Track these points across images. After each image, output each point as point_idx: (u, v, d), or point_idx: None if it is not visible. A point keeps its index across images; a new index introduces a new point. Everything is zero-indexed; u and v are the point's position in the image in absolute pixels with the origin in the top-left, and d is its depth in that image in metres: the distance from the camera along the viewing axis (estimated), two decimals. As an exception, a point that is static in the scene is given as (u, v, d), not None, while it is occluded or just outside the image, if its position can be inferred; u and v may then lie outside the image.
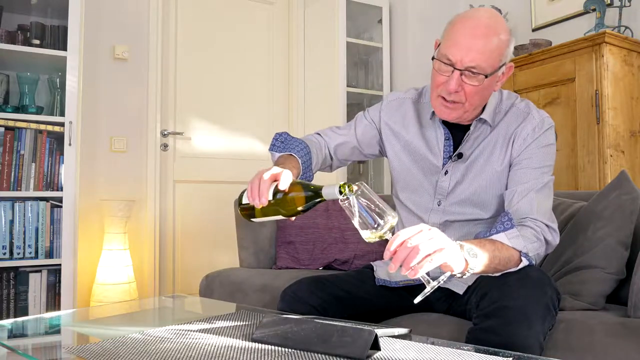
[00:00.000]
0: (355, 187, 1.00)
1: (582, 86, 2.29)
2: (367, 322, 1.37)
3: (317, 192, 1.06)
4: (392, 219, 0.99)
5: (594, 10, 2.52)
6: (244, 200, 1.15)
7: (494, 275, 1.18)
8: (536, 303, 1.09)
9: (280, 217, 1.13)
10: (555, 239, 1.26)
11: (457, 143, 1.37)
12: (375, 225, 0.98)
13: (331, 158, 1.49)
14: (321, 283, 1.38)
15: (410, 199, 1.44)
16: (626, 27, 2.45)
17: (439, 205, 1.39)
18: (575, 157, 2.32)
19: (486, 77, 1.22)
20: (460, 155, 1.36)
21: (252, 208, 1.13)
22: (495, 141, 1.34)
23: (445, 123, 1.37)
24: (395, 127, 1.47)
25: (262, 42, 3.45)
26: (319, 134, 1.50)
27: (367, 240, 1.01)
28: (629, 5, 2.47)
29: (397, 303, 1.42)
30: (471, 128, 1.34)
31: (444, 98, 1.28)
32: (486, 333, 1.09)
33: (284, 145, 1.36)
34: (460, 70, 1.22)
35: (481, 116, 1.33)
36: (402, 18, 3.38)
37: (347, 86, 3.25)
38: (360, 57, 3.48)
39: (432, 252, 0.96)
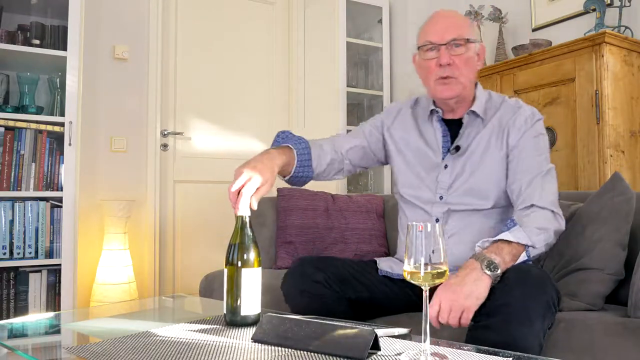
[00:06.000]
0: None
1: (582, 86, 2.29)
2: (368, 311, 1.39)
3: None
4: None
5: (594, 10, 2.52)
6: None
7: None
8: (537, 301, 1.10)
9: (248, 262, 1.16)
10: (561, 224, 1.31)
11: (453, 138, 1.45)
12: None
13: (341, 162, 1.55)
14: (326, 261, 1.43)
15: (412, 195, 1.50)
16: (626, 27, 2.45)
17: (441, 199, 1.44)
18: (575, 157, 2.31)
19: (468, 41, 1.37)
20: (457, 149, 1.43)
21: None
22: (490, 133, 1.42)
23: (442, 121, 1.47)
24: (397, 130, 1.56)
25: (262, 42, 3.45)
26: (329, 138, 1.58)
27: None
28: (629, 5, 2.47)
29: (397, 293, 1.45)
30: (464, 120, 1.43)
31: (440, 78, 1.39)
32: (486, 331, 1.10)
33: (284, 140, 1.46)
34: (445, 44, 1.36)
35: (472, 108, 1.43)
36: (402, 18, 3.38)
37: (347, 86, 3.25)
38: (360, 57, 3.48)
39: (468, 310, 1.11)
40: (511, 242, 1.21)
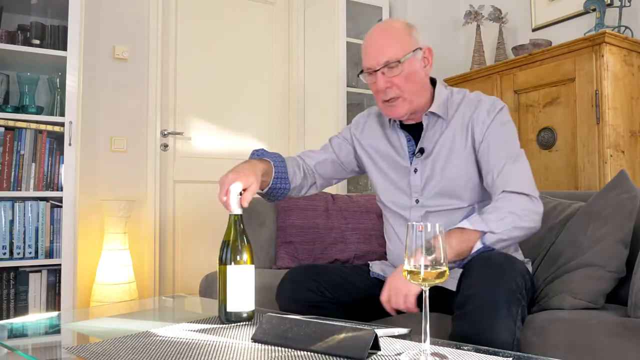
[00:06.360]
0: None
1: (582, 86, 2.29)
2: (364, 315, 1.40)
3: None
4: None
5: (594, 10, 2.52)
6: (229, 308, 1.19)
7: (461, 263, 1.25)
8: (498, 288, 1.11)
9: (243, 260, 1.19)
10: (537, 206, 1.30)
11: (418, 142, 1.46)
12: None
13: (313, 176, 1.58)
14: (318, 269, 1.45)
15: (391, 201, 1.52)
16: (626, 27, 2.45)
17: (417, 202, 1.45)
18: (575, 157, 2.32)
19: (400, 62, 1.34)
20: (422, 151, 1.44)
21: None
22: (454, 132, 1.42)
23: (405, 127, 1.47)
24: (366, 140, 1.58)
25: (262, 42, 3.44)
26: (298, 155, 1.60)
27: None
28: (629, 5, 2.47)
29: None
30: (424, 122, 1.43)
31: (385, 101, 1.39)
32: (460, 321, 1.14)
33: (259, 157, 1.47)
34: (380, 69, 1.36)
35: (430, 109, 1.42)
36: (402, 18, 3.38)
37: (347, 86, 3.25)
38: (360, 57, 3.47)
39: (409, 293, 1.21)
40: (464, 228, 1.23)
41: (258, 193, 1.41)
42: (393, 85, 1.37)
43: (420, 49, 1.40)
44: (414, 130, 1.47)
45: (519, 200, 1.28)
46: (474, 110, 1.41)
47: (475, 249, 1.22)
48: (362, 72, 1.43)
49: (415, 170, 1.45)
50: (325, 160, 1.60)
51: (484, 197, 1.43)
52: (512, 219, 1.25)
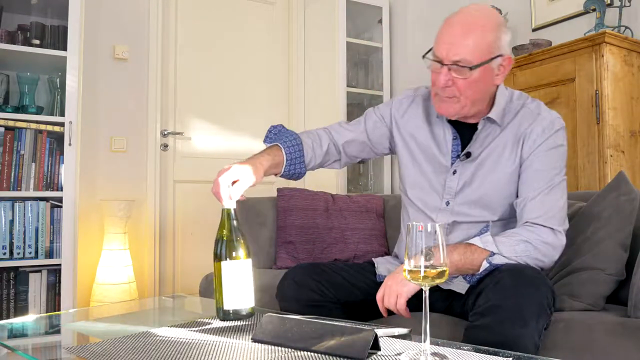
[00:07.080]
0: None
1: (582, 86, 2.29)
2: (365, 315, 1.39)
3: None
4: None
5: (594, 10, 2.52)
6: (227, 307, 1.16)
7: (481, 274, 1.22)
8: (530, 301, 1.09)
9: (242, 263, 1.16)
10: (558, 240, 1.25)
11: (465, 143, 1.36)
12: None
13: (339, 153, 1.50)
14: (319, 268, 1.41)
15: (418, 197, 1.43)
16: (626, 27, 2.45)
17: (447, 205, 1.38)
18: (575, 157, 2.31)
19: (471, 69, 1.22)
20: (468, 155, 1.35)
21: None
22: (505, 142, 1.33)
23: (452, 123, 1.37)
24: (406, 125, 1.47)
25: (262, 42, 3.45)
26: (326, 129, 1.51)
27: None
28: (629, 5, 2.46)
29: None
30: (479, 127, 1.33)
31: (439, 94, 1.29)
32: (481, 331, 1.10)
33: (276, 137, 1.41)
34: (447, 65, 1.23)
35: (489, 115, 1.32)
36: (402, 18, 3.38)
37: (347, 86, 3.25)
38: (360, 57, 3.48)
39: (401, 296, 1.20)
40: (472, 245, 1.21)
41: (275, 174, 1.39)
42: (454, 85, 1.25)
43: (501, 55, 1.26)
44: (462, 128, 1.36)
45: (541, 232, 1.23)
46: (530, 123, 1.31)
47: (483, 268, 1.20)
48: (430, 50, 1.27)
49: (455, 172, 1.36)
50: (355, 140, 1.49)
51: (514, 213, 1.34)
52: (526, 247, 1.21)
